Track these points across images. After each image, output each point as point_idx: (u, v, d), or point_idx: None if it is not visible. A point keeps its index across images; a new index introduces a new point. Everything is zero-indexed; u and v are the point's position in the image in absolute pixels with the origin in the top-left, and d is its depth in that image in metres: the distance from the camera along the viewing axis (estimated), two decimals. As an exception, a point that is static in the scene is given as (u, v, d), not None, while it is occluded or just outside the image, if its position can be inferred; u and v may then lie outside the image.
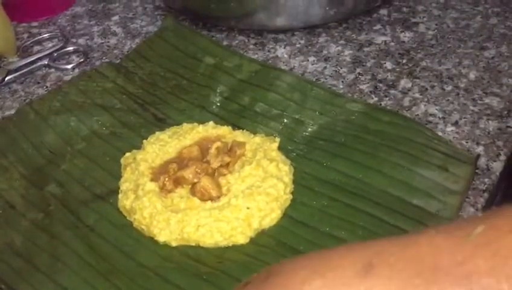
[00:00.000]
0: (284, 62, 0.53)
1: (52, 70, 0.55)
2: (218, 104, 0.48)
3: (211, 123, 0.45)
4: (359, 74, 0.51)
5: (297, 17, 0.54)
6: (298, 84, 0.48)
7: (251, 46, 0.55)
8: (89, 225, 0.39)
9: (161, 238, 0.37)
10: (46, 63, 0.55)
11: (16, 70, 0.54)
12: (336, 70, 0.51)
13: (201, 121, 0.45)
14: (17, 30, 0.60)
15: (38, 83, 0.53)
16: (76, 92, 0.49)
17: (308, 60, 0.53)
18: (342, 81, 0.50)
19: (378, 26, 0.56)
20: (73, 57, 0.56)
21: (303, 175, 0.41)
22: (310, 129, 0.44)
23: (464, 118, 0.45)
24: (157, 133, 0.44)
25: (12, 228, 0.39)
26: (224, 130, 0.44)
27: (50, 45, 0.58)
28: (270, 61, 0.53)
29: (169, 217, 0.37)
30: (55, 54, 0.56)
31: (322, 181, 0.40)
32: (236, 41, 0.56)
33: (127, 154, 0.43)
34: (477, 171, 0.40)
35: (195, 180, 0.39)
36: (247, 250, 0.36)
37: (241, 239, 0.37)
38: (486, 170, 0.41)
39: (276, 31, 0.56)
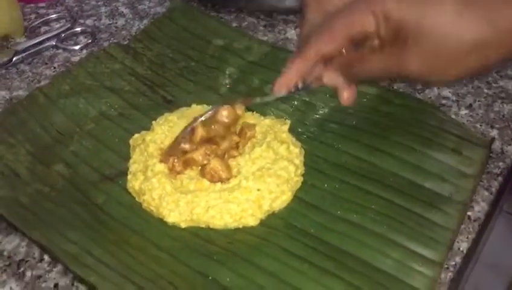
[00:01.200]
0: (294, 44, 0.52)
1: (60, 51, 0.54)
2: (228, 86, 0.47)
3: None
4: (371, 56, 0.50)
5: (308, -2, 0.53)
6: None
7: (261, 28, 0.54)
8: (97, 203, 0.38)
9: (170, 219, 0.37)
10: (54, 43, 0.54)
11: (24, 50, 0.54)
12: (347, 53, 0.50)
13: (210, 103, 0.45)
14: (24, 11, 0.59)
15: (46, 63, 0.53)
16: (85, 74, 0.49)
17: (318, 42, 0.52)
18: (353, 64, 0.49)
19: (390, 8, 0.55)
20: (81, 37, 0.56)
21: (314, 158, 0.40)
22: (320, 112, 0.44)
23: (478, 101, 0.44)
24: (166, 114, 0.44)
25: (17, 191, 0.39)
26: None
27: (57, 25, 0.57)
28: (280, 43, 0.52)
29: (178, 198, 0.37)
30: (63, 35, 0.55)
31: (333, 164, 0.40)
32: (246, 23, 0.55)
33: (136, 135, 0.43)
34: (491, 154, 0.40)
35: (205, 162, 0.39)
36: (257, 232, 0.36)
37: (252, 221, 0.37)
38: (500, 153, 0.40)
39: (286, 12, 0.55)
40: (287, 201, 0.38)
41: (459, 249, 0.35)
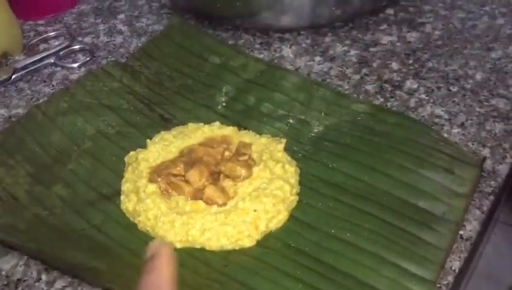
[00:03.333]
0: (289, 62, 0.53)
1: (59, 68, 0.55)
2: (224, 104, 0.48)
3: (217, 123, 0.45)
4: (365, 74, 0.50)
5: (303, 16, 0.54)
6: (304, 84, 0.48)
7: (257, 46, 0.55)
8: (95, 224, 0.39)
9: (166, 239, 0.37)
10: (52, 61, 0.55)
11: (22, 68, 0.54)
12: (342, 71, 0.51)
13: (208, 121, 0.45)
14: (23, 28, 0.60)
15: (45, 81, 0.53)
16: (83, 93, 0.49)
17: (314, 60, 0.53)
18: (348, 82, 0.50)
19: (384, 26, 0.56)
20: (80, 55, 0.56)
21: (309, 176, 0.41)
22: (315, 130, 0.44)
23: (470, 119, 0.45)
24: (162, 132, 0.44)
25: (15, 217, 0.39)
26: (230, 131, 0.44)
27: (56, 43, 0.58)
28: (275, 61, 0.53)
29: (174, 219, 0.37)
30: (61, 53, 0.56)
31: (327, 183, 0.40)
32: (242, 41, 0.56)
33: (131, 153, 0.43)
34: (483, 173, 0.40)
35: (200, 185, 0.39)
36: (253, 253, 0.36)
37: (248, 242, 0.37)
38: (492, 172, 0.41)
39: (282, 31, 0.56)
40: (283, 221, 0.38)
41: (451, 268, 0.35)
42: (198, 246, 0.37)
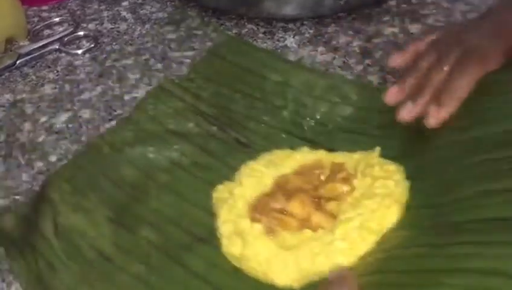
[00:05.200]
0: (292, 52, 0.53)
1: (63, 54, 0.55)
2: (306, 127, 0.44)
3: (306, 148, 0.41)
4: (368, 65, 0.51)
5: (307, 6, 0.55)
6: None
7: (260, 35, 0.56)
8: (198, 274, 0.35)
9: (281, 281, 0.34)
10: (57, 47, 0.55)
11: (27, 54, 0.54)
12: (345, 61, 0.52)
13: (289, 145, 0.42)
14: (27, 14, 0.60)
15: (49, 67, 0.54)
16: (146, 118, 0.45)
17: (317, 50, 0.53)
18: (351, 72, 0.50)
19: (387, 18, 0.57)
20: (84, 42, 0.57)
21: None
22: None
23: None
24: (249, 162, 0.40)
25: (110, 284, 0.35)
26: (321, 154, 0.41)
27: (60, 29, 0.58)
28: (279, 51, 0.53)
29: (285, 256, 0.34)
30: (66, 39, 0.56)
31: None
32: (246, 30, 0.56)
33: (219, 186, 0.39)
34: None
35: (304, 215, 0.36)
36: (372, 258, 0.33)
37: (364, 247, 0.34)
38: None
39: (285, 20, 0.57)
40: (396, 213, 0.35)
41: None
42: (315, 277, 0.33)
